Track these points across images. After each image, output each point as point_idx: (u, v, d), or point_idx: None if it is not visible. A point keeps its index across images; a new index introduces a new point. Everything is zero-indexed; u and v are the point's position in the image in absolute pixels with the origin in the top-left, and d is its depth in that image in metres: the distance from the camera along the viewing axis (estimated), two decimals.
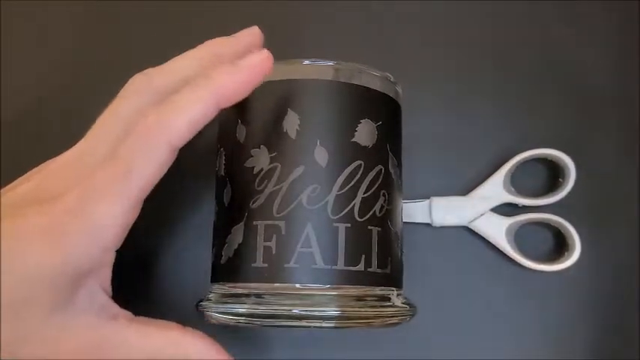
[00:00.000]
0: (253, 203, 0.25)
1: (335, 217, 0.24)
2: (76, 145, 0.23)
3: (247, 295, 0.25)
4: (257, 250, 0.24)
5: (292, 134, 0.25)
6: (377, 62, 0.28)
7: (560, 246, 0.34)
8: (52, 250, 0.20)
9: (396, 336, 0.34)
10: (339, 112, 0.25)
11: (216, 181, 0.28)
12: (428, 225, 0.34)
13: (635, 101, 0.36)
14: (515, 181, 0.34)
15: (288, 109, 0.25)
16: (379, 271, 0.25)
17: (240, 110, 0.27)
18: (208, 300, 0.26)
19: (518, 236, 0.34)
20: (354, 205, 0.25)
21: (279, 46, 0.37)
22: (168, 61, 0.25)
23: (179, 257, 0.35)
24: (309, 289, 0.24)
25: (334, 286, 0.24)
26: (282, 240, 0.24)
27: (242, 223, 0.25)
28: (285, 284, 0.24)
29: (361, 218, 0.25)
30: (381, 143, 0.26)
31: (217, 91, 0.23)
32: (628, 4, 0.37)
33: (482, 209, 0.34)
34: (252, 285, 0.25)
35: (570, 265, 0.32)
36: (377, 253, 0.25)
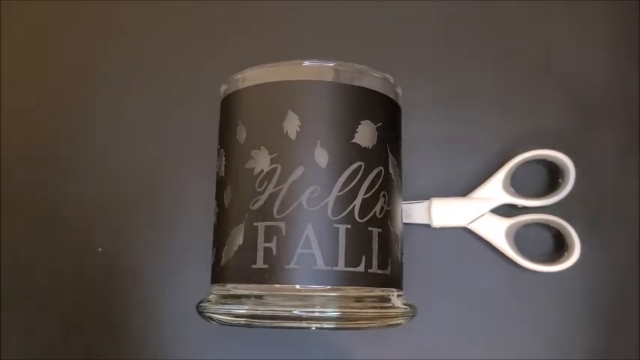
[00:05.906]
0: (253, 204, 0.25)
1: (335, 218, 0.24)
2: None
3: (247, 296, 0.25)
4: (257, 251, 0.24)
5: (292, 135, 0.25)
6: (376, 63, 0.28)
7: (559, 247, 0.34)
8: None
9: (396, 336, 0.34)
10: (339, 114, 0.25)
11: (216, 182, 0.28)
12: (427, 226, 0.34)
13: (635, 101, 0.36)
14: (515, 182, 0.34)
15: (289, 110, 0.25)
16: (379, 272, 0.25)
17: (240, 111, 0.27)
18: (208, 301, 0.26)
19: (518, 237, 0.34)
20: (355, 206, 0.25)
21: (279, 46, 0.37)
22: None
23: (179, 258, 0.35)
24: (309, 290, 0.24)
25: (334, 287, 0.24)
26: (283, 241, 0.24)
27: (242, 225, 0.25)
28: (286, 285, 0.24)
29: (361, 219, 0.25)
30: (381, 144, 0.26)
31: None
32: (628, 4, 0.37)
33: (482, 210, 0.34)
34: (253, 286, 0.25)
35: (570, 266, 0.32)
36: (377, 254, 0.25)
